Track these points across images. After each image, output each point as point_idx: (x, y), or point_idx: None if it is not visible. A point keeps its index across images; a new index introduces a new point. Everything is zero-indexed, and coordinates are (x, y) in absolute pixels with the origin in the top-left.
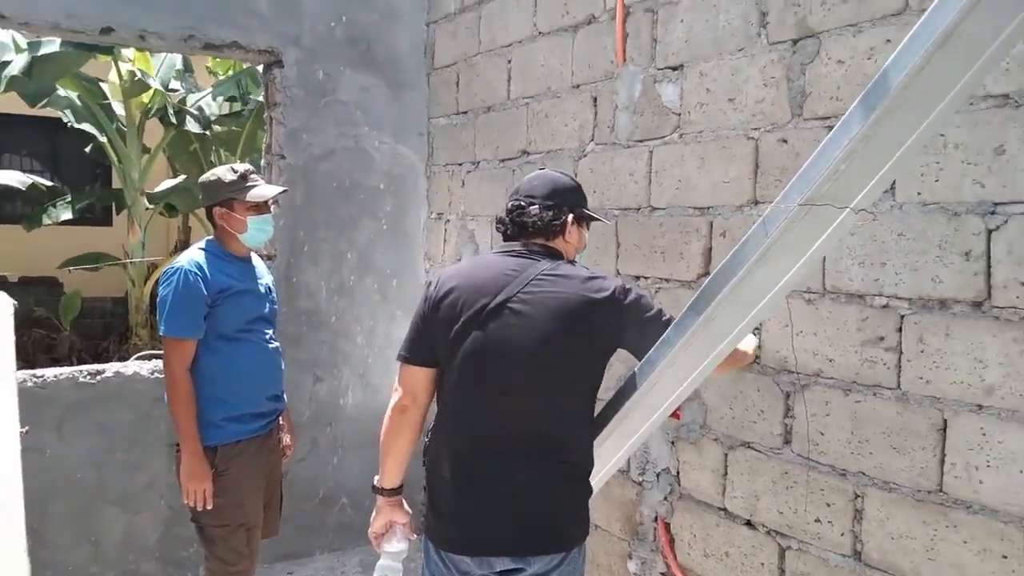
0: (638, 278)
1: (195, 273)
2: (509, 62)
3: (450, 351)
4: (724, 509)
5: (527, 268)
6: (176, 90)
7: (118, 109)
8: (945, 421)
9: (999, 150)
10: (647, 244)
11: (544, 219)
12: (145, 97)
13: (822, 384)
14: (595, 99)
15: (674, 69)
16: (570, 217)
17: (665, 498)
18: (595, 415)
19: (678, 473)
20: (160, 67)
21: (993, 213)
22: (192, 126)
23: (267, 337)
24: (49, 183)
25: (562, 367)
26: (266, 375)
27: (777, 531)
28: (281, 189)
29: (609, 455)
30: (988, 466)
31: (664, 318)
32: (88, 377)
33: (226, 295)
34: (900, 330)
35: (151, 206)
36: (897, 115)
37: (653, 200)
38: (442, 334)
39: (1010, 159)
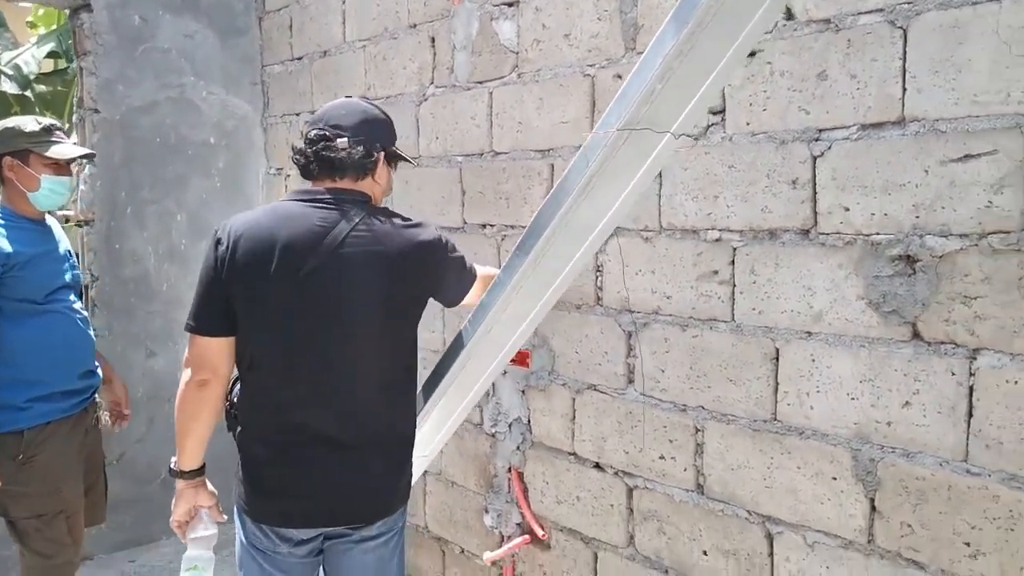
0: (484, 226)
1: None
2: (343, 2)
3: (255, 319)
4: (574, 454)
5: (339, 222)
6: None
7: None
8: (777, 350)
9: (822, 76)
10: (491, 190)
11: (354, 156)
12: None
13: (661, 321)
14: (433, 39)
15: (510, 5)
16: (382, 155)
17: (518, 447)
18: (431, 366)
19: (529, 421)
20: None
21: (817, 140)
22: (8, 86)
23: (72, 307)
24: None
25: (390, 332)
26: (76, 349)
27: (624, 471)
28: (88, 151)
29: (453, 406)
30: (817, 391)
31: (468, 265)
32: None
33: (18, 262)
34: (733, 263)
35: None
36: (710, 29)
37: (495, 144)
38: (242, 299)
39: (832, 84)
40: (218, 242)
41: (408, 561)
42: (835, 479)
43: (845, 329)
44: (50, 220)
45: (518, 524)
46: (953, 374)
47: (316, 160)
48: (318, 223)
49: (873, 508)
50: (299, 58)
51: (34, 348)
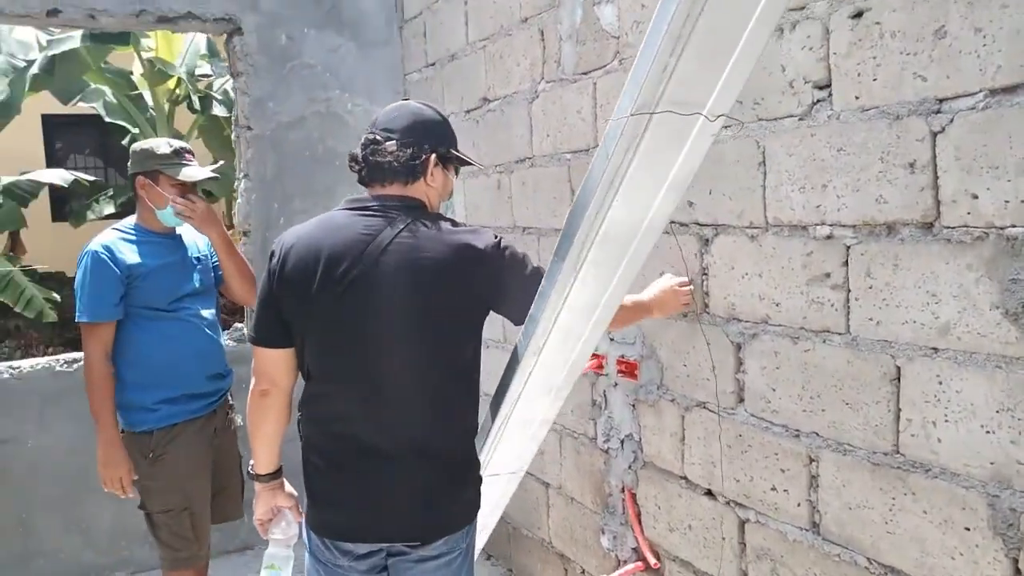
0: None
1: (104, 254)
2: (466, 3)
3: (304, 330)
4: (684, 477)
5: (382, 230)
6: (207, 75)
7: (150, 100)
8: (898, 369)
9: (939, 33)
10: None
11: (401, 158)
12: (171, 84)
13: (770, 332)
14: (542, 32)
15: None
16: (432, 157)
17: (630, 466)
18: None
19: (640, 439)
20: (186, 53)
21: (938, 112)
22: (219, 111)
23: (198, 314)
24: (91, 179)
25: (436, 344)
26: (201, 354)
27: (736, 502)
28: (213, 174)
29: (524, 426)
30: (946, 421)
31: (542, 275)
32: (65, 366)
33: (140, 274)
34: (846, 264)
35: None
36: None
37: (600, 138)
38: (293, 311)
39: (952, 42)
40: (272, 255)
41: None
42: (968, 530)
43: (977, 345)
44: (182, 230)
45: (634, 549)
46: None
47: (366, 165)
48: (362, 231)
49: (1017, 571)
50: (432, 64)
51: (160, 353)
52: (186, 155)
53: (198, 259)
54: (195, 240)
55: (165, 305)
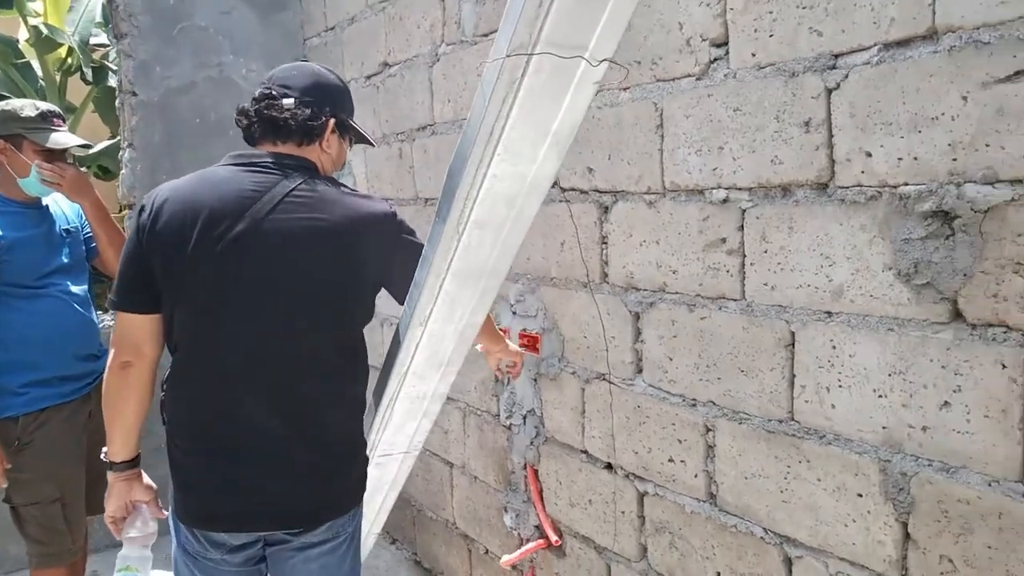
0: None
1: None
2: None
3: (177, 294)
4: (585, 451)
5: (272, 187)
6: (103, 45)
7: (39, 69)
8: (793, 335)
9: None
10: None
11: (299, 117)
12: (62, 53)
13: (668, 301)
14: None
15: None
16: (332, 121)
17: (531, 442)
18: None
19: (542, 414)
20: (79, 21)
21: (833, 68)
22: (114, 80)
23: (68, 290)
24: None
25: (327, 314)
26: (71, 333)
27: (635, 474)
28: (83, 141)
29: (413, 402)
30: (840, 386)
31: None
32: None
33: (1, 247)
34: (742, 228)
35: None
36: None
37: None
38: (164, 272)
39: None
40: (141, 209)
41: (439, 559)
42: (861, 496)
43: (870, 308)
44: (49, 200)
45: (536, 526)
46: (1004, 366)
47: (259, 120)
48: (250, 188)
49: (907, 535)
50: (331, 28)
51: (27, 333)
52: (54, 120)
53: (67, 231)
54: (64, 211)
55: (31, 281)
